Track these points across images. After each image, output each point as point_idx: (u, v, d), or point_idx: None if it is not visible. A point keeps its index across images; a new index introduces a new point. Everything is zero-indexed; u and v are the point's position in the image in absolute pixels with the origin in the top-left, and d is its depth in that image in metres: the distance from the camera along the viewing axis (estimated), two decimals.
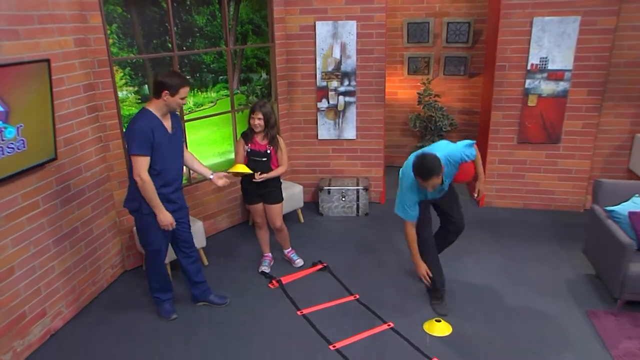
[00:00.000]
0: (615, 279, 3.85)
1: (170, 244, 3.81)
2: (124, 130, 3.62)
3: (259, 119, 4.04)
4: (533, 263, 4.68)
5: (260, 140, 4.14)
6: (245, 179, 4.18)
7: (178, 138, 3.60)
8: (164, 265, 3.85)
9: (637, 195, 4.10)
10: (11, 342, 3.30)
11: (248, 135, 4.15)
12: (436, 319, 3.84)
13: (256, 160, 4.13)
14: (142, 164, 3.31)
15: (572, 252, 4.81)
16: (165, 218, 3.49)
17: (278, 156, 4.21)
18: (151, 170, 3.39)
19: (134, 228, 4.44)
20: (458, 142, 3.84)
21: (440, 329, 3.74)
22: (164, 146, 3.41)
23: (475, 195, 4.07)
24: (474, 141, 3.87)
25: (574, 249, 4.84)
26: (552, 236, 5.16)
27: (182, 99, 3.40)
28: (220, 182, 3.80)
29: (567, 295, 4.16)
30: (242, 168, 4.03)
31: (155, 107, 3.38)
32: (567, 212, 5.73)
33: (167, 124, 3.47)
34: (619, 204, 4.09)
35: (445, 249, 4.30)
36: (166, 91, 3.30)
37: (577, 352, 3.48)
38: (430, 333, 3.74)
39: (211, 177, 3.82)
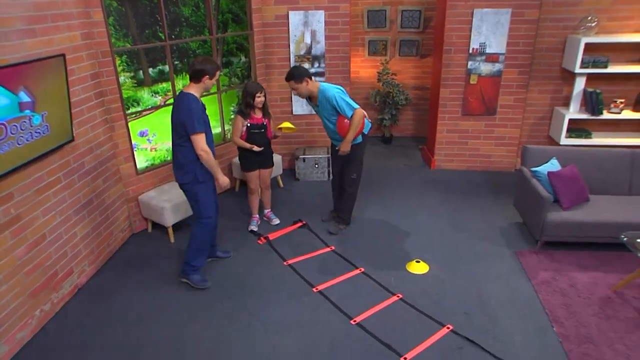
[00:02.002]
0: (536, 225, 4.19)
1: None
2: (179, 113, 3.40)
3: (264, 96, 4.25)
4: (474, 214, 4.97)
5: (257, 115, 4.32)
6: (247, 151, 4.35)
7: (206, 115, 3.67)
8: (214, 231, 3.93)
9: (554, 158, 4.40)
10: (49, 295, 3.52)
11: (245, 112, 4.28)
12: (416, 260, 4.11)
13: (255, 132, 4.30)
14: (203, 139, 3.42)
15: (504, 205, 5.12)
16: (225, 180, 3.61)
17: (272, 126, 4.44)
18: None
19: (140, 197, 4.60)
20: (347, 100, 4.06)
21: (419, 268, 4.05)
22: (207, 123, 3.55)
23: (337, 148, 4.27)
24: (358, 107, 4.07)
25: (506, 202, 5.15)
26: (489, 192, 5.47)
27: (216, 80, 3.54)
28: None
29: (500, 239, 4.49)
30: (289, 126, 4.36)
31: (195, 90, 3.46)
32: (501, 172, 6.01)
33: None
34: (540, 165, 4.35)
35: (341, 204, 4.68)
36: (207, 76, 3.43)
37: (508, 283, 3.85)
38: (411, 271, 4.02)
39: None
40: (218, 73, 3.53)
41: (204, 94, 3.70)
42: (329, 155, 5.80)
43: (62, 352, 3.24)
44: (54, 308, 3.60)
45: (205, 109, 3.58)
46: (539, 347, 3.19)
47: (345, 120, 4.08)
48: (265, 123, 4.34)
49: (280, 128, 4.38)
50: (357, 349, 3.22)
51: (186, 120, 3.37)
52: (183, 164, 3.56)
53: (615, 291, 3.70)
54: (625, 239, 3.55)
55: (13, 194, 3.13)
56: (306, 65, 5.70)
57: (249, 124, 4.29)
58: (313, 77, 4.23)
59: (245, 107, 4.28)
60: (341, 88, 4.19)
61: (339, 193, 4.72)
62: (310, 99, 4.27)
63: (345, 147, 4.18)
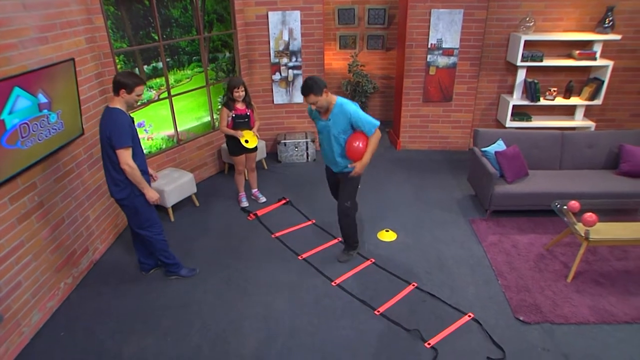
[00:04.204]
0: (486, 196, 4.43)
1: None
2: (105, 128, 3.12)
3: (242, 91, 4.38)
4: (434, 188, 5.18)
5: (240, 106, 4.47)
6: (233, 138, 4.49)
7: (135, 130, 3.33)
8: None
9: (500, 139, 4.61)
10: (70, 270, 3.70)
11: (229, 105, 4.44)
12: (385, 229, 4.28)
13: (240, 121, 4.47)
14: (128, 153, 3.11)
15: (460, 180, 5.36)
16: (154, 193, 3.33)
17: (254, 115, 4.61)
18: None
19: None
20: (367, 116, 3.43)
21: (388, 236, 4.24)
22: (136, 137, 3.26)
23: (351, 166, 3.59)
24: (378, 124, 3.43)
25: (461, 178, 5.40)
26: (447, 169, 5.70)
27: (138, 95, 3.16)
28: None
29: (456, 209, 4.72)
30: (251, 140, 4.47)
31: (119, 104, 3.13)
32: (457, 151, 6.25)
33: None
34: (489, 146, 4.55)
35: (342, 232, 3.97)
36: (123, 90, 3.08)
37: (463, 246, 4.12)
38: (382, 239, 4.21)
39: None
40: (139, 89, 3.13)
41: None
42: (307, 140, 5.92)
43: (84, 317, 3.44)
44: (75, 281, 3.78)
45: (133, 122, 3.23)
46: (487, 296, 3.52)
47: (356, 143, 3.42)
48: (248, 113, 4.50)
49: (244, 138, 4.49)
50: (337, 305, 3.44)
51: (112, 134, 3.06)
52: (119, 180, 3.24)
53: (547, 249, 4.09)
54: (557, 206, 3.88)
55: (36, 184, 3.28)
56: (284, 60, 5.81)
57: (233, 115, 4.46)
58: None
59: (228, 100, 4.46)
60: (357, 104, 3.53)
61: None
62: (320, 113, 3.58)
63: (361, 169, 3.51)
